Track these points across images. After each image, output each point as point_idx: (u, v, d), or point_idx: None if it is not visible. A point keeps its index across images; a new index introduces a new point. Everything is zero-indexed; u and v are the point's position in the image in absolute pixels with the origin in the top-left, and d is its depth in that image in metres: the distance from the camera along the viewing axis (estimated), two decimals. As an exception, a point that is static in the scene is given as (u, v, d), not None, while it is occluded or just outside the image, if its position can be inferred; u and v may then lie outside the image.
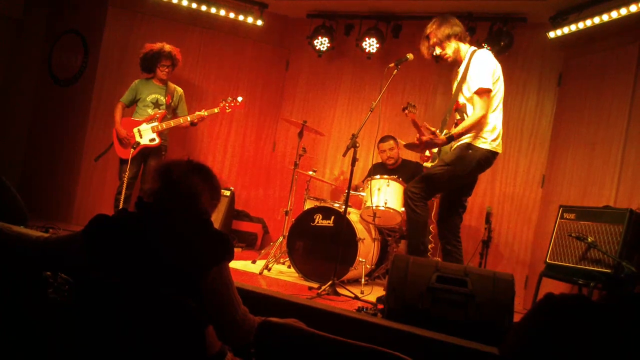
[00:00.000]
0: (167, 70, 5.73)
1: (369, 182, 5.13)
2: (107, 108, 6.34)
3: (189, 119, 5.60)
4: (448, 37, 4.07)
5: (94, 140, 6.46)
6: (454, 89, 4.25)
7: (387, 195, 5.03)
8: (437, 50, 4.11)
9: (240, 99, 5.70)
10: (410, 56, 4.40)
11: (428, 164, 4.38)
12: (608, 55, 5.34)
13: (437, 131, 3.90)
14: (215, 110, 5.61)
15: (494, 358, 2.67)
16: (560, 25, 5.50)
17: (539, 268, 4.82)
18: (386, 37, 6.49)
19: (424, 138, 3.88)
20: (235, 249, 5.58)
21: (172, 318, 1.90)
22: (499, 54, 5.60)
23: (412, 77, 6.63)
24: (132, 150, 5.37)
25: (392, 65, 4.40)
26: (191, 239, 2.03)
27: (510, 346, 1.64)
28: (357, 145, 4.29)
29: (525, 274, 5.80)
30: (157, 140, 5.60)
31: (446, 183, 4.14)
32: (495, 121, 4.05)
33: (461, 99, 4.13)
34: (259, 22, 6.72)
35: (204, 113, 5.60)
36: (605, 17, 5.05)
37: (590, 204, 4.97)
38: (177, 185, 2.13)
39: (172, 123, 5.61)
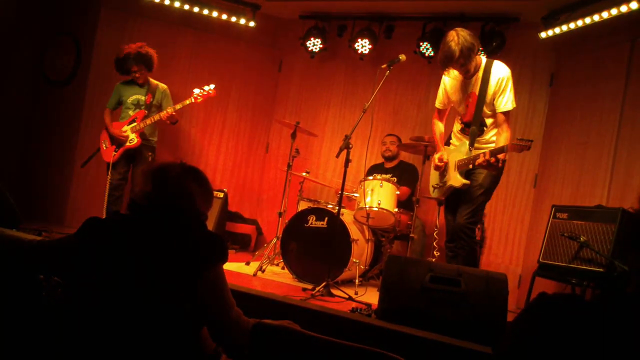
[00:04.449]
0: (138, 75, 5.66)
1: (363, 183, 5.14)
2: (99, 109, 6.31)
3: (161, 115, 5.54)
4: (472, 55, 3.93)
5: (86, 142, 6.44)
6: (461, 99, 4.20)
7: (380, 196, 5.03)
8: (461, 69, 4.02)
9: (212, 86, 5.64)
10: (402, 57, 4.39)
11: (435, 176, 4.41)
12: (600, 55, 5.36)
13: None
14: (187, 102, 5.54)
15: (487, 357, 2.68)
16: (552, 25, 5.52)
17: (532, 268, 4.84)
18: (379, 38, 6.49)
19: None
20: (229, 251, 5.58)
21: (166, 320, 1.90)
22: (491, 55, 5.62)
23: (404, 78, 6.64)
24: (113, 153, 5.39)
25: (384, 66, 4.40)
26: (185, 241, 2.03)
27: (504, 345, 1.64)
28: (350, 146, 4.29)
29: (519, 273, 5.82)
30: (135, 140, 5.58)
31: (488, 201, 4.23)
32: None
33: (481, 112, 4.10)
34: (252, 24, 6.71)
35: (177, 106, 5.56)
36: (596, 17, 5.07)
37: (583, 203, 5.00)
38: (171, 188, 2.13)
39: (148, 121, 5.58)
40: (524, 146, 3.63)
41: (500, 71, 3.98)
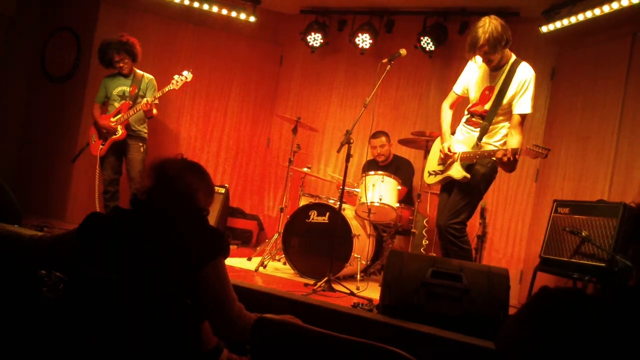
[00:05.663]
0: (122, 64, 5.59)
1: (364, 178, 5.13)
2: (100, 105, 6.34)
3: (142, 104, 5.43)
4: (499, 46, 3.83)
5: (87, 137, 6.43)
6: (479, 88, 4.09)
7: (381, 191, 5.03)
8: (485, 57, 3.91)
9: (187, 72, 5.56)
10: (403, 52, 4.38)
11: (437, 165, 4.33)
12: (601, 48, 5.35)
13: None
14: (166, 89, 5.47)
15: (489, 352, 2.68)
16: (552, 19, 5.51)
17: (533, 263, 4.84)
18: (379, 33, 6.48)
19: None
20: (231, 247, 5.57)
21: (167, 314, 1.91)
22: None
23: (405, 73, 6.63)
24: (100, 147, 5.43)
25: (385, 60, 4.37)
26: (186, 236, 2.03)
27: (506, 339, 1.64)
28: (352, 141, 4.28)
29: (520, 268, 5.82)
30: (120, 132, 5.53)
31: (478, 201, 4.17)
32: None
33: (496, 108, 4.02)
34: (252, 19, 6.70)
35: (158, 94, 5.50)
36: (597, 11, 5.07)
37: (584, 198, 4.99)
38: (172, 183, 2.14)
39: (131, 112, 5.52)
40: (539, 153, 3.59)
41: (525, 73, 3.88)
